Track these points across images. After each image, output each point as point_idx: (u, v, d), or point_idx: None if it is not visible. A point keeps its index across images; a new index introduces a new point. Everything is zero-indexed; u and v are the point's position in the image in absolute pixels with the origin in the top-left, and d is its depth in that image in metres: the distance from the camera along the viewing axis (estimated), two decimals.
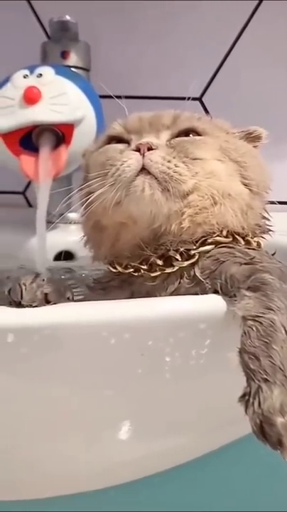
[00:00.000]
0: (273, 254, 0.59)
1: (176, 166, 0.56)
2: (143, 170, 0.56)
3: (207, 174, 0.57)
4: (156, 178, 0.55)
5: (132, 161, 0.56)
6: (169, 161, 0.56)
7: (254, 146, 0.64)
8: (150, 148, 0.57)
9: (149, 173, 0.56)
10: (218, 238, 0.58)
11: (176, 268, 0.57)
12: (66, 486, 0.66)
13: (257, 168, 0.62)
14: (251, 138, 0.65)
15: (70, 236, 0.97)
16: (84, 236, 0.66)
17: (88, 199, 0.58)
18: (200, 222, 0.57)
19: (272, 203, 0.64)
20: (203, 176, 0.57)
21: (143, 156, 0.56)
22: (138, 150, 0.57)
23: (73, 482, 0.65)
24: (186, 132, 0.61)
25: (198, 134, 0.61)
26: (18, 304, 0.49)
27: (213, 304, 0.50)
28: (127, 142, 0.62)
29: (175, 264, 0.57)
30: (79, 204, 0.62)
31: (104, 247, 0.62)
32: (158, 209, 0.56)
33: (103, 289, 0.62)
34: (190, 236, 0.57)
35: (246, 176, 0.60)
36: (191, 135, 0.61)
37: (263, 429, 0.42)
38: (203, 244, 0.58)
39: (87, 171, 0.65)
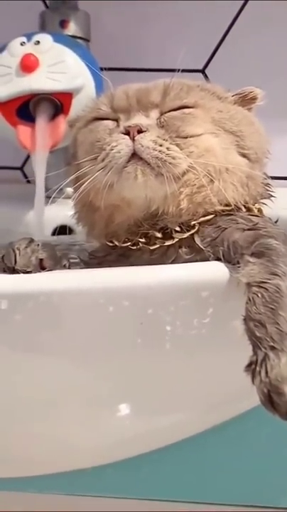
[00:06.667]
0: (275, 222, 0.58)
1: (168, 149, 0.54)
2: (135, 155, 0.54)
3: (201, 152, 0.56)
4: (149, 164, 0.54)
5: (122, 146, 0.54)
6: (161, 145, 0.54)
7: (249, 109, 0.62)
8: (140, 131, 0.55)
9: (141, 158, 0.54)
10: (218, 207, 0.56)
11: (176, 240, 0.56)
12: (63, 464, 0.66)
13: (254, 135, 0.60)
14: (247, 100, 0.62)
15: (69, 210, 0.95)
16: (76, 213, 0.64)
17: (79, 181, 0.57)
18: (200, 201, 0.56)
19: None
20: (197, 154, 0.55)
21: (134, 140, 0.54)
22: (127, 133, 0.55)
23: (70, 459, 0.65)
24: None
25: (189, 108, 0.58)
26: (12, 270, 0.48)
27: (215, 271, 0.49)
28: (116, 120, 0.59)
29: (175, 236, 0.56)
30: (71, 182, 0.60)
31: (98, 228, 0.60)
32: (154, 193, 0.55)
33: (99, 263, 0.60)
34: (191, 217, 0.56)
35: (243, 146, 0.58)
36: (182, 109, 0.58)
37: (272, 399, 0.42)
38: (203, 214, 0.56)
39: (75, 147, 0.63)
